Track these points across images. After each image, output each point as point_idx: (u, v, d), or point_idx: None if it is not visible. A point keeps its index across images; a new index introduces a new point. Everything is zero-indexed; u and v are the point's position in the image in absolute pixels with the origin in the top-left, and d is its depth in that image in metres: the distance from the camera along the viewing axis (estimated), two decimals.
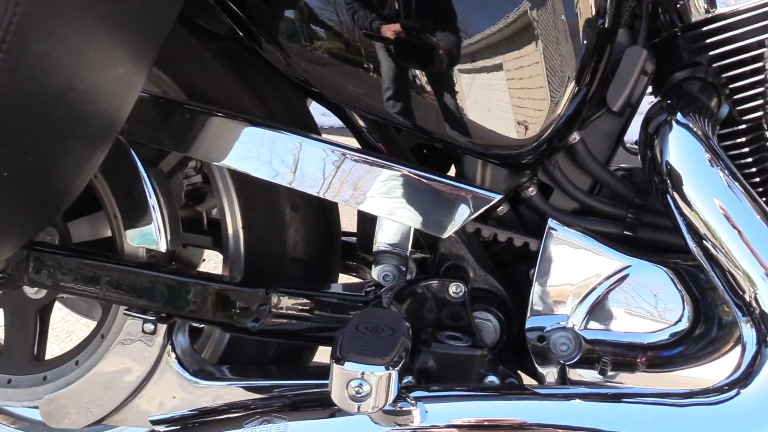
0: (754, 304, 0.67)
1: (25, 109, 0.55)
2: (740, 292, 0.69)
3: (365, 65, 0.74)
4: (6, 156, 0.57)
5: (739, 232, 0.71)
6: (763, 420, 0.60)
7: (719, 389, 0.63)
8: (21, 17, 0.50)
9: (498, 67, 0.73)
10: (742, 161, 0.84)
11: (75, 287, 0.82)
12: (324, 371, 0.89)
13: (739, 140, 0.84)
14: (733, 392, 0.62)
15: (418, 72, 0.73)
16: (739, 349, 0.77)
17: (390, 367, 0.56)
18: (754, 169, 0.85)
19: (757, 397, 0.61)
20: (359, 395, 0.56)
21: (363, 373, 0.56)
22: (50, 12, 0.52)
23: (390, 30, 0.72)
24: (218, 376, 0.86)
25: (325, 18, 0.73)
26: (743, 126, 0.83)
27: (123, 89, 0.66)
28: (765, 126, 0.83)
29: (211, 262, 1.35)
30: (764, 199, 0.78)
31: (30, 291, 0.91)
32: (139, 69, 0.67)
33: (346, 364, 0.57)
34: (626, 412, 0.64)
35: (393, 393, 0.57)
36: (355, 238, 1.08)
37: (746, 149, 0.84)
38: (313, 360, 0.99)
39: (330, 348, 0.86)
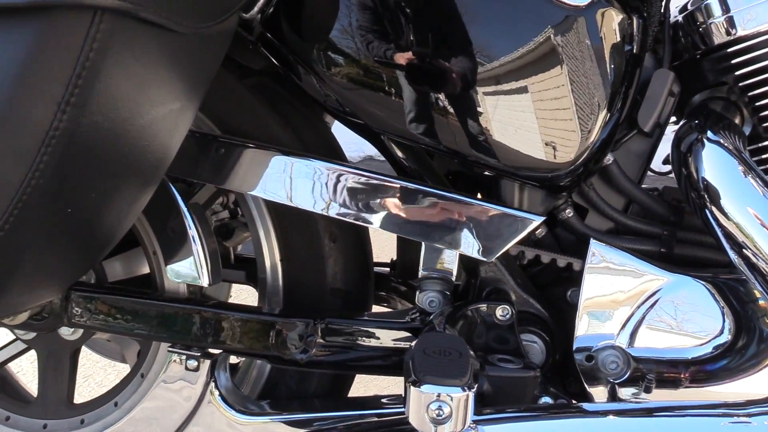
0: None
1: (91, 144, 0.56)
2: None
3: (406, 93, 0.76)
4: (71, 192, 0.58)
5: None
6: None
7: None
8: (97, 53, 0.51)
9: (536, 95, 0.74)
10: None
11: (118, 326, 0.81)
12: (364, 402, 0.89)
13: (765, 156, 0.86)
14: None
15: (459, 99, 0.75)
16: None
17: (467, 389, 0.57)
18: None
19: None
20: (439, 417, 0.56)
21: (439, 395, 0.56)
22: (122, 48, 0.53)
23: (431, 59, 0.74)
24: (261, 411, 0.85)
25: (365, 48, 0.75)
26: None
27: (176, 124, 0.67)
28: None
29: None
30: None
31: (66, 333, 0.89)
32: (190, 104, 0.68)
33: (424, 386, 0.57)
34: (690, 426, 0.65)
35: (470, 415, 0.57)
36: (384, 268, 1.09)
37: None
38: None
39: (374, 376, 0.87)
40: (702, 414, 0.66)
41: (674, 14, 0.90)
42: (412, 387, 0.57)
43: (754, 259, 0.74)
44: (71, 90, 0.51)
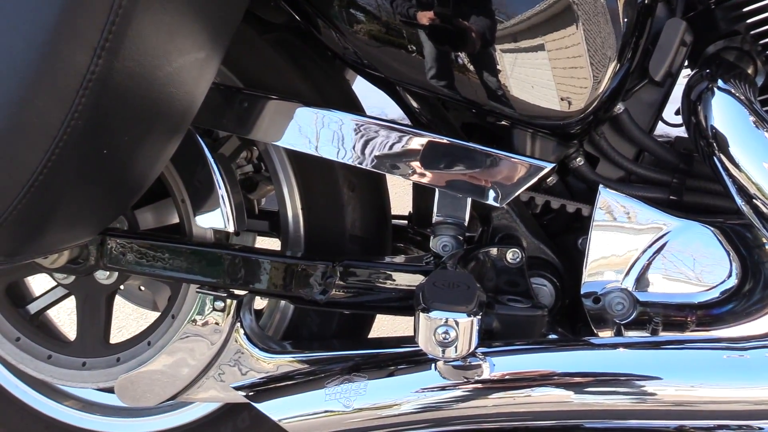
0: None
1: (124, 88, 0.60)
2: None
3: (421, 43, 0.78)
4: (106, 133, 0.62)
5: None
6: None
7: None
8: (129, 1, 0.54)
9: (550, 44, 0.76)
10: None
11: (150, 269, 0.87)
12: (382, 342, 0.94)
13: None
14: None
15: (472, 47, 0.77)
16: None
17: (472, 315, 0.61)
18: None
19: None
20: (446, 341, 0.60)
21: (447, 320, 0.60)
22: None
23: (445, 8, 0.76)
24: (283, 350, 0.90)
25: (384, 1, 0.78)
26: None
27: (201, 73, 0.71)
28: None
29: None
30: None
31: (101, 277, 0.95)
32: (215, 54, 0.71)
33: (432, 312, 0.61)
34: (689, 359, 0.68)
35: (475, 340, 0.61)
36: (402, 221, 1.12)
37: None
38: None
39: (389, 317, 0.91)
40: (703, 347, 0.69)
41: None
42: (421, 314, 0.62)
43: (761, 206, 0.76)
44: (106, 36, 0.55)
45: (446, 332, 0.60)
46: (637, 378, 0.69)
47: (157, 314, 1.07)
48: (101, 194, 0.71)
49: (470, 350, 0.62)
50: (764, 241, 0.82)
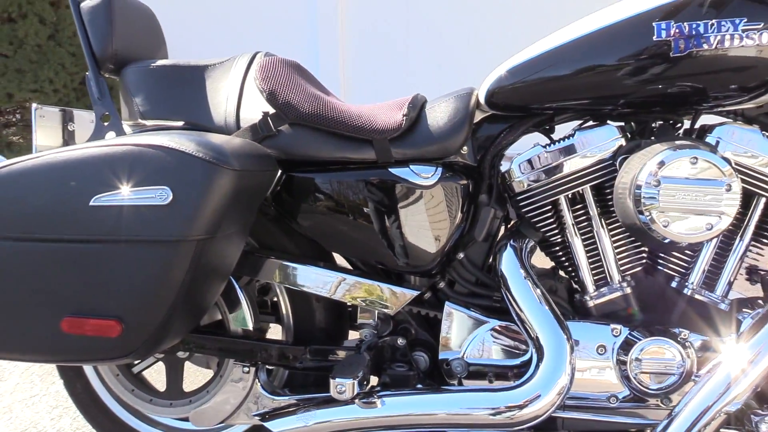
0: (537, 346, 1.38)
1: (202, 276, 1.32)
2: (532, 341, 1.40)
3: (348, 238, 1.50)
4: (192, 293, 1.34)
5: (529, 309, 1.42)
6: (530, 402, 1.32)
7: (515, 386, 1.35)
8: (202, 252, 1.27)
9: (414, 233, 1.47)
10: (562, 259, 1.55)
11: (210, 351, 1.59)
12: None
13: (555, 248, 1.55)
14: (517, 385, 1.34)
15: (372, 240, 1.48)
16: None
17: (354, 379, 1.32)
18: (565, 261, 1.55)
19: (525, 392, 1.33)
20: (341, 393, 1.31)
21: (342, 382, 1.32)
22: (217, 243, 1.29)
23: (359, 225, 1.47)
24: (284, 393, 1.61)
25: (318, 213, 1.50)
26: (558, 239, 1.54)
27: (237, 255, 1.44)
28: (568, 242, 1.53)
29: None
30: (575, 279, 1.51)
31: (180, 354, 1.68)
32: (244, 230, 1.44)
33: (336, 378, 1.32)
34: (467, 398, 1.37)
35: (356, 391, 1.32)
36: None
37: (560, 253, 1.55)
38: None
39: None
40: (474, 391, 1.37)
41: (507, 165, 1.60)
42: (331, 379, 1.33)
43: (522, 316, 1.43)
44: (192, 262, 1.27)
45: (342, 388, 1.31)
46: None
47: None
48: (192, 319, 1.44)
49: (353, 395, 1.32)
50: None
